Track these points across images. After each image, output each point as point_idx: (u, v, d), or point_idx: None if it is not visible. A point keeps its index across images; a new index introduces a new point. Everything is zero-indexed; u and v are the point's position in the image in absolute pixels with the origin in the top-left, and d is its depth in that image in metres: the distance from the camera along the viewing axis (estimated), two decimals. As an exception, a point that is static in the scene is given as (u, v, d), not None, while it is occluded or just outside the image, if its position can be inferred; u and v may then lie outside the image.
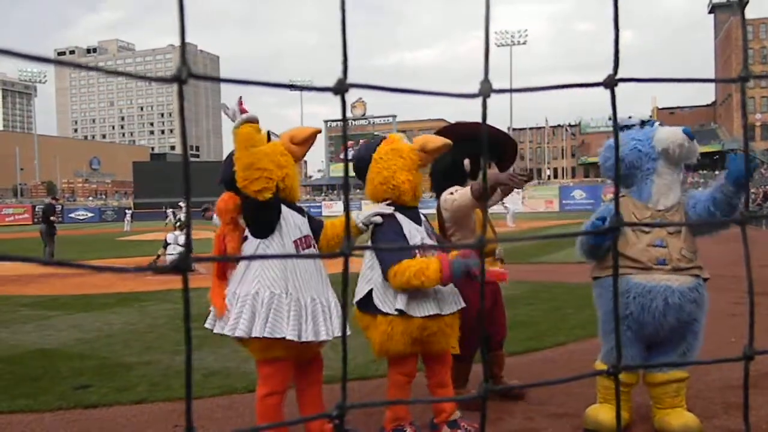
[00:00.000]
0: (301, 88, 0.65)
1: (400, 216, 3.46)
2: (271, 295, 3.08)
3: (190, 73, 0.56)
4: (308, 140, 3.35)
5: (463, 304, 3.52)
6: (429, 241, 3.48)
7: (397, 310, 3.31)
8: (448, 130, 4.26)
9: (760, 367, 4.40)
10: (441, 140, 3.53)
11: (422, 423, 3.61)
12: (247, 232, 3.27)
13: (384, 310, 3.33)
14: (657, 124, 3.66)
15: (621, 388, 3.46)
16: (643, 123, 3.66)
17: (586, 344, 5.78)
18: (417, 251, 3.37)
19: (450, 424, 3.52)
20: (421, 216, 3.59)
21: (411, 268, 3.23)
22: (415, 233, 3.44)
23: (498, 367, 4.36)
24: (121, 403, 4.38)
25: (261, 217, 3.21)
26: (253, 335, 3.05)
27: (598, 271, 3.59)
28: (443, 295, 3.40)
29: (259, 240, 3.21)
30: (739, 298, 7.65)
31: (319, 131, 3.45)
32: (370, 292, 3.39)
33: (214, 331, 3.21)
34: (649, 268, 3.35)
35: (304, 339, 3.08)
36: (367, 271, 3.44)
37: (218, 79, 0.65)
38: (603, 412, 3.55)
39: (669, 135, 3.46)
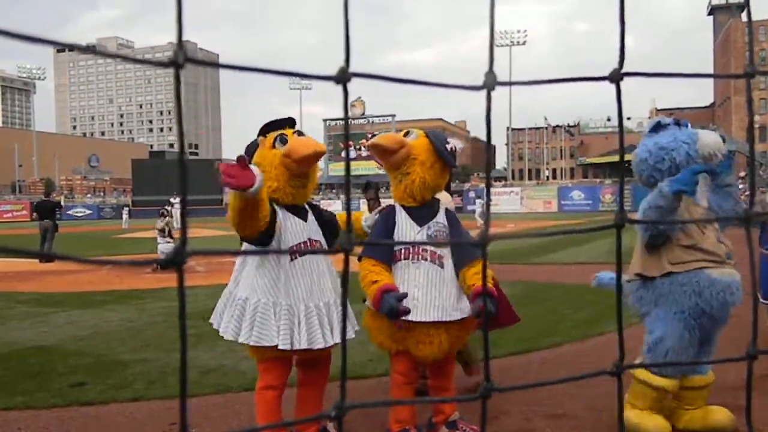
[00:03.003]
0: (302, 75, 0.64)
1: (401, 214, 3.43)
2: (257, 302, 3.10)
3: (187, 57, 0.55)
4: (307, 160, 3.12)
5: (455, 317, 3.26)
6: (428, 239, 3.41)
7: (367, 304, 3.37)
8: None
9: (760, 368, 4.40)
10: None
11: (421, 421, 3.58)
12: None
13: (367, 302, 3.37)
14: (689, 125, 3.61)
15: (662, 395, 3.37)
16: (677, 123, 3.57)
17: (582, 345, 5.79)
18: (409, 249, 3.33)
19: (448, 424, 3.50)
20: (440, 211, 3.46)
21: (367, 276, 3.20)
22: (410, 231, 3.38)
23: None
24: (118, 401, 4.37)
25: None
26: (240, 341, 3.11)
27: (667, 266, 3.30)
28: (418, 302, 3.22)
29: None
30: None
31: (323, 151, 3.19)
32: None
33: (214, 326, 3.27)
34: (722, 262, 3.28)
35: (297, 347, 3.07)
36: None
37: (217, 65, 0.64)
38: (647, 419, 3.39)
39: (714, 142, 3.36)
